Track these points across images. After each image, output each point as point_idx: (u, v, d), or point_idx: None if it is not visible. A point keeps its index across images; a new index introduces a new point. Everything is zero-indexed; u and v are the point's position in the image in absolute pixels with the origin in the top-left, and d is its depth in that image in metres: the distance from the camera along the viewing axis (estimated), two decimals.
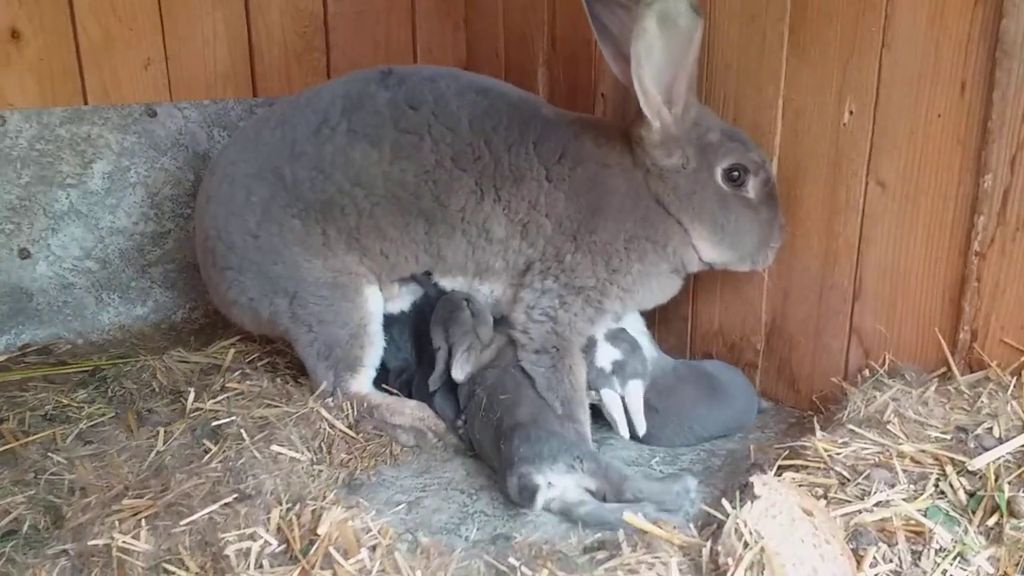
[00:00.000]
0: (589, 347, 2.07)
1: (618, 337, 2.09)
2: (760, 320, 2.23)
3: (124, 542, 1.56)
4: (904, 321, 1.91)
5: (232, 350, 2.45)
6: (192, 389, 2.19)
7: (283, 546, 1.53)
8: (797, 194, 2.07)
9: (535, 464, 1.73)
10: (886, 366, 1.91)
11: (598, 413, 2.07)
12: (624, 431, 2.03)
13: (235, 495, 1.65)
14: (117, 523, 1.64)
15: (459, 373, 2.08)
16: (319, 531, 1.51)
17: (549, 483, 1.73)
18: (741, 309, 2.28)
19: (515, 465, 1.75)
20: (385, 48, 3.02)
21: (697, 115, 1.99)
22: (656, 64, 1.84)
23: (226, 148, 2.33)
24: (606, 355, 2.05)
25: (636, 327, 2.21)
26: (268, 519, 1.58)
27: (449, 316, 2.12)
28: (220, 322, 2.78)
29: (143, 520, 1.62)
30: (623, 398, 2.04)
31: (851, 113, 1.93)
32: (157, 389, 2.31)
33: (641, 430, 2.02)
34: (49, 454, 1.97)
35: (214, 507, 1.60)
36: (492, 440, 1.89)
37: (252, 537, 1.52)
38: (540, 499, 1.71)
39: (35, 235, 2.62)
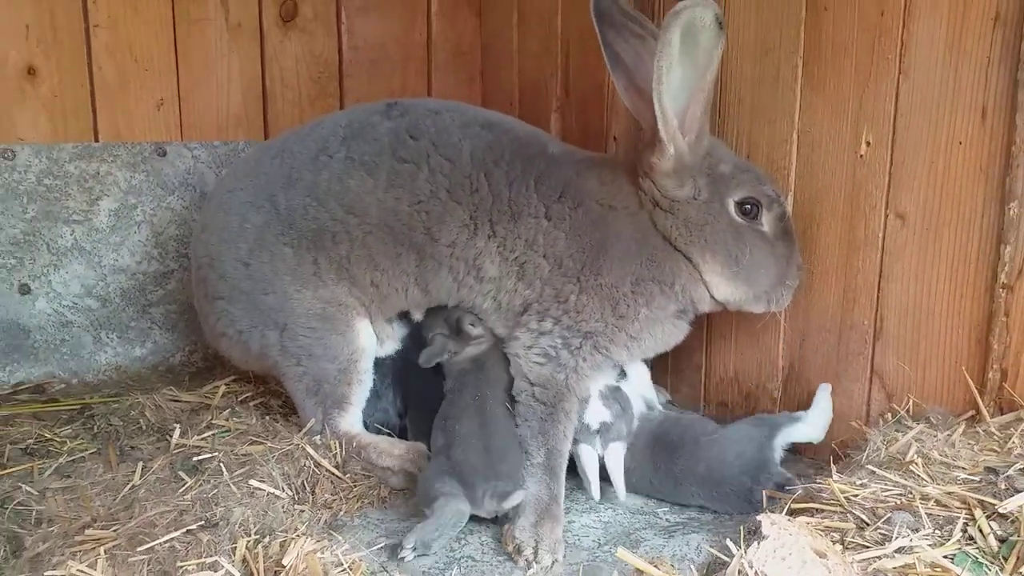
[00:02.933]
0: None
1: (611, 397, 1.96)
2: (777, 366, 2.11)
3: (78, 570, 1.45)
4: (928, 361, 1.78)
5: (223, 388, 2.36)
6: (178, 426, 2.10)
7: None
8: (813, 231, 1.98)
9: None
10: (909, 409, 1.77)
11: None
12: (596, 492, 1.87)
13: (200, 523, 1.53)
14: (78, 553, 1.54)
15: (476, 330, 2.03)
16: (284, 562, 1.39)
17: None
18: (757, 355, 2.16)
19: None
20: (400, 97, 3.01)
21: (710, 146, 1.92)
22: (673, 86, 1.78)
23: (225, 176, 2.29)
24: (596, 414, 1.91)
25: (641, 378, 2.10)
26: (233, 549, 1.46)
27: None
28: (218, 365, 2.72)
29: (103, 550, 1.52)
30: (601, 458, 1.89)
31: (868, 144, 1.85)
32: (144, 427, 2.21)
33: (621, 495, 1.87)
34: (22, 485, 1.88)
35: (175, 534, 1.49)
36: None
37: (213, 567, 1.41)
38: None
39: (36, 271, 2.59)
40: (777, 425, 1.89)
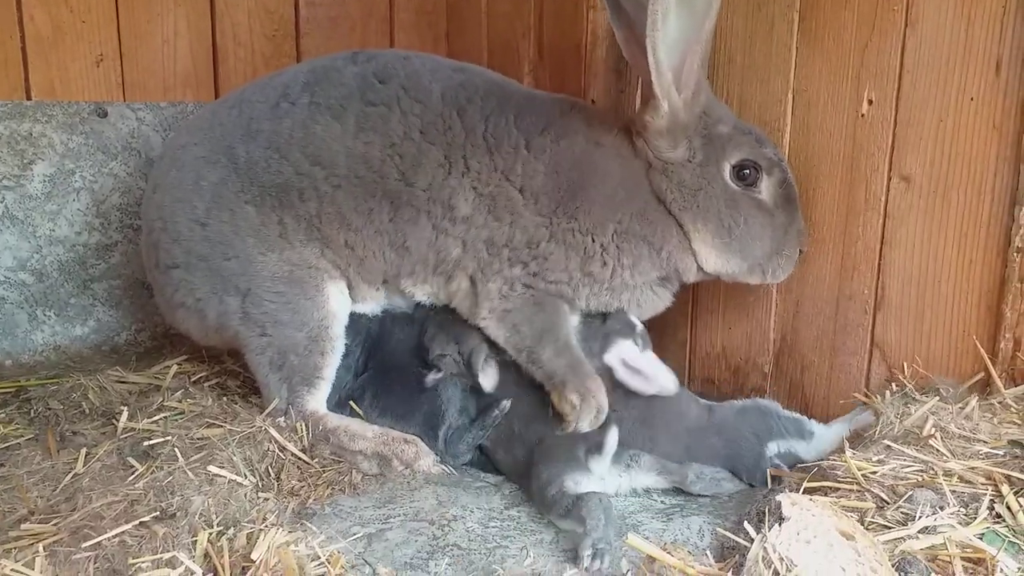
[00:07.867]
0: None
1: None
2: (768, 339, 2.01)
3: (13, 570, 1.27)
4: (935, 332, 1.69)
5: (175, 367, 2.18)
6: (126, 409, 1.92)
7: (209, 575, 1.25)
8: (810, 195, 1.87)
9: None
10: (915, 382, 1.68)
11: None
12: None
13: (155, 514, 1.37)
14: (13, 551, 1.37)
15: (488, 382, 1.87)
16: (253, 556, 1.24)
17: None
18: (746, 328, 2.06)
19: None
20: None
21: (707, 104, 1.81)
22: (670, 36, 1.66)
23: (178, 132, 2.11)
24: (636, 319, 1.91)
25: None
26: (193, 543, 1.30)
27: (455, 324, 1.92)
28: (168, 345, 2.53)
29: (41, 547, 1.35)
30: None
31: (870, 103, 1.75)
32: (87, 410, 2.02)
33: (674, 384, 1.81)
34: None
35: (126, 527, 1.32)
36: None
37: (170, 563, 1.26)
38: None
39: None
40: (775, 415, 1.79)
